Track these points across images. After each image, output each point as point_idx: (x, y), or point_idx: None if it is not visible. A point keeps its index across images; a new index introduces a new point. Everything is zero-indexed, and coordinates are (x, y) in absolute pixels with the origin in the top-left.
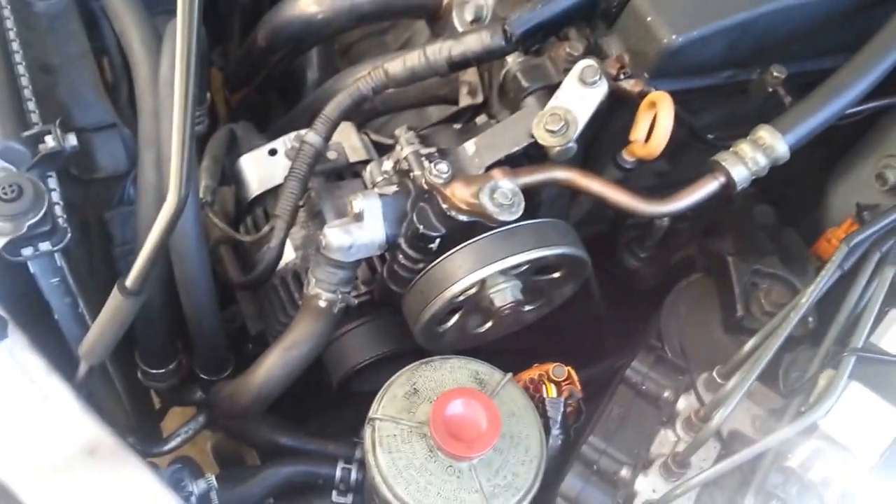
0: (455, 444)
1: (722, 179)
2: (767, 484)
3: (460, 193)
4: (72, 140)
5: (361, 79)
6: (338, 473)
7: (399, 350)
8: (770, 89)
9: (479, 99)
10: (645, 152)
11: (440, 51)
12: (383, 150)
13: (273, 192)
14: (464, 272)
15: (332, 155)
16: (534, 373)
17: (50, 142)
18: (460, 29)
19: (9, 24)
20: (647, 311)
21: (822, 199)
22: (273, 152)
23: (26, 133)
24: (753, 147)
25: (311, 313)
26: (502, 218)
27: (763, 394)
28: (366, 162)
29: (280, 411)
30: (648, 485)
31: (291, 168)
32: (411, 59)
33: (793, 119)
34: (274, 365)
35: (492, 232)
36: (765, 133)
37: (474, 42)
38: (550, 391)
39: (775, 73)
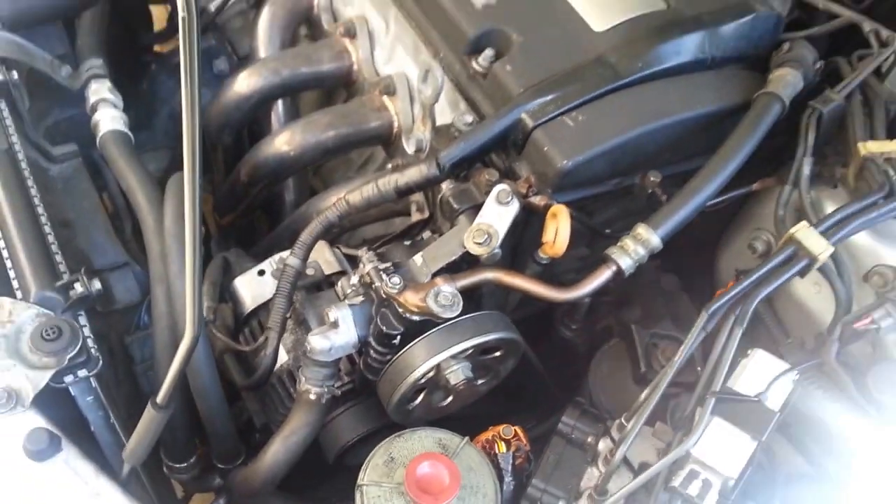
0: (426, 497)
1: (613, 268)
2: (659, 501)
3: (411, 299)
4: (96, 284)
5: (329, 209)
6: None
7: (379, 427)
8: (650, 190)
9: (426, 214)
10: (553, 252)
11: (389, 182)
12: (353, 260)
13: (265, 306)
14: (421, 360)
15: (310, 271)
16: (488, 434)
17: (79, 288)
18: (409, 151)
19: (33, 191)
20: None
21: (713, 265)
22: (262, 273)
23: (59, 283)
24: (634, 241)
25: (304, 405)
26: (446, 316)
27: (664, 430)
28: (339, 273)
29: (287, 487)
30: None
31: (278, 287)
32: (367, 191)
33: (662, 216)
34: (278, 451)
35: (439, 327)
36: (642, 230)
37: (415, 174)
38: (501, 448)
39: (651, 178)
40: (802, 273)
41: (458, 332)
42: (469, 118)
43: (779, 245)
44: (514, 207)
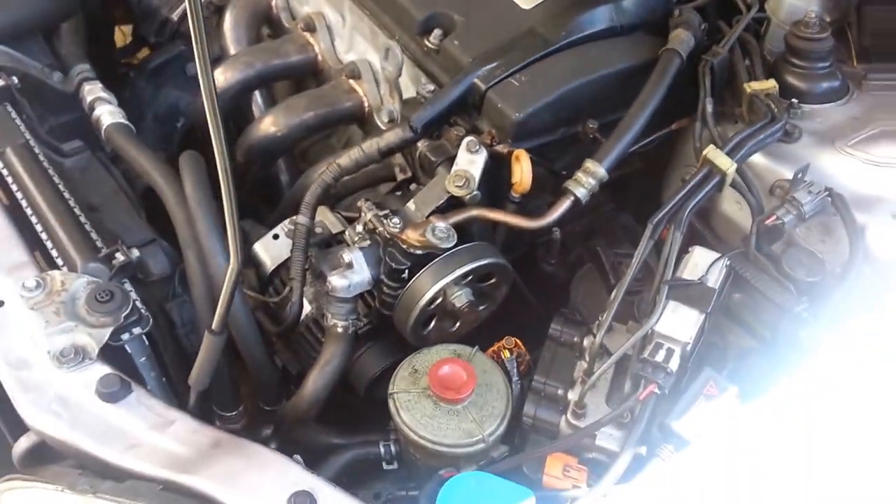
0: (449, 393)
1: (571, 198)
2: (635, 370)
3: (412, 236)
4: (135, 252)
5: (323, 172)
6: (382, 450)
7: (401, 358)
8: (591, 136)
9: (409, 174)
10: (521, 189)
11: (371, 146)
12: (351, 222)
13: (283, 265)
14: (428, 286)
15: (318, 230)
16: (494, 347)
17: (120, 257)
18: (382, 128)
19: (56, 179)
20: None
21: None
22: (276, 237)
23: (102, 254)
24: (585, 174)
25: (334, 338)
26: (444, 246)
27: (634, 326)
28: (342, 231)
29: (326, 422)
30: (574, 395)
31: (293, 244)
32: (354, 154)
33: (604, 152)
34: (316, 380)
35: (440, 257)
36: (589, 164)
37: (393, 137)
38: (506, 354)
39: (590, 125)
40: (719, 187)
41: (456, 259)
42: (431, 87)
43: (698, 167)
44: (483, 154)
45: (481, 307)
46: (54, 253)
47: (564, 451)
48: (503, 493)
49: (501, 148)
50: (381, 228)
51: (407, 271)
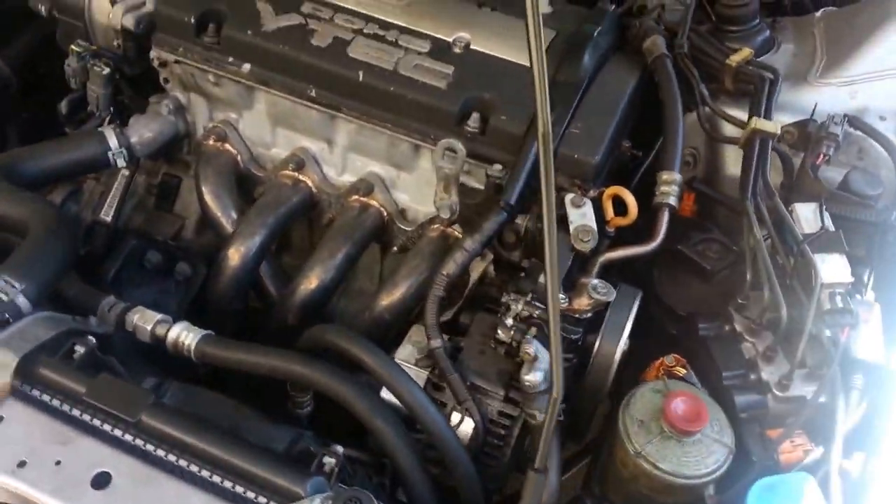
0: (694, 424)
1: (668, 210)
2: (817, 329)
3: (581, 303)
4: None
5: (434, 288)
6: None
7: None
8: (629, 154)
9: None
10: (627, 220)
11: (474, 242)
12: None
13: None
14: (616, 340)
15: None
16: (654, 370)
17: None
18: (444, 217)
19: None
20: None
21: None
22: None
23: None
24: (667, 185)
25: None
26: (609, 299)
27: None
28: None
29: None
30: (767, 373)
31: (442, 370)
32: (458, 258)
33: (669, 159)
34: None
35: (609, 312)
36: (665, 175)
37: (492, 225)
38: (681, 371)
39: (626, 144)
40: (777, 149)
41: (621, 307)
42: (498, 167)
43: (747, 137)
44: (588, 204)
45: None
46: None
47: (773, 427)
48: (788, 487)
49: (592, 193)
50: (537, 313)
51: (581, 337)
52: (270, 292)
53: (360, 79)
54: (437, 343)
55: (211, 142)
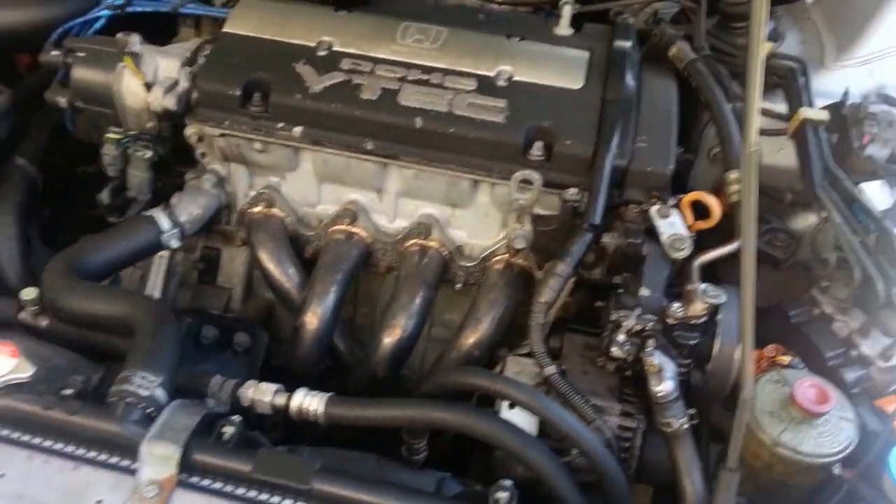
0: (824, 405)
1: None
2: None
3: (696, 308)
4: None
5: (534, 315)
6: None
7: None
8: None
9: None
10: (710, 224)
11: (564, 267)
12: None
13: None
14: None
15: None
16: (761, 359)
17: None
18: (519, 247)
19: None
20: None
21: None
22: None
23: None
24: (737, 183)
25: (681, 438)
26: (721, 300)
27: None
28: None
29: None
30: (867, 347)
31: (564, 396)
32: (552, 283)
33: (732, 159)
34: (695, 480)
35: (720, 313)
36: (733, 174)
37: (580, 247)
38: (785, 359)
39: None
40: (830, 133)
41: (730, 305)
42: (573, 190)
43: (797, 128)
44: (675, 212)
45: None
46: None
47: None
48: None
49: (672, 202)
50: (649, 326)
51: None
52: (342, 350)
53: (418, 125)
54: (551, 369)
55: (258, 209)
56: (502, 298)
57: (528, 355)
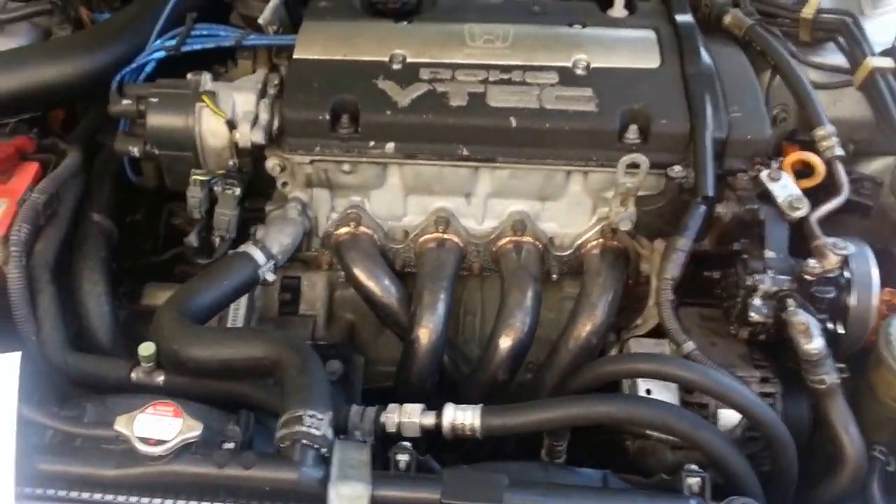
0: None
1: (839, 162)
2: None
3: (831, 263)
4: None
5: (663, 291)
6: None
7: None
8: None
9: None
10: (815, 181)
11: (684, 242)
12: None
13: None
14: (871, 285)
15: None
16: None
17: None
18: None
19: None
20: None
21: None
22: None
23: None
24: (826, 139)
25: (832, 394)
26: (850, 252)
27: None
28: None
29: None
30: None
31: (705, 371)
32: (675, 258)
33: (815, 117)
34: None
35: (849, 263)
36: (820, 130)
37: (696, 219)
38: None
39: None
40: None
41: (861, 255)
42: (678, 167)
43: (864, 78)
44: (785, 175)
45: None
46: None
47: None
48: None
49: (776, 164)
50: (785, 287)
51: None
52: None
53: (514, 125)
54: (690, 345)
55: (346, 230)
56: (611, 282)
57: (649, 335)
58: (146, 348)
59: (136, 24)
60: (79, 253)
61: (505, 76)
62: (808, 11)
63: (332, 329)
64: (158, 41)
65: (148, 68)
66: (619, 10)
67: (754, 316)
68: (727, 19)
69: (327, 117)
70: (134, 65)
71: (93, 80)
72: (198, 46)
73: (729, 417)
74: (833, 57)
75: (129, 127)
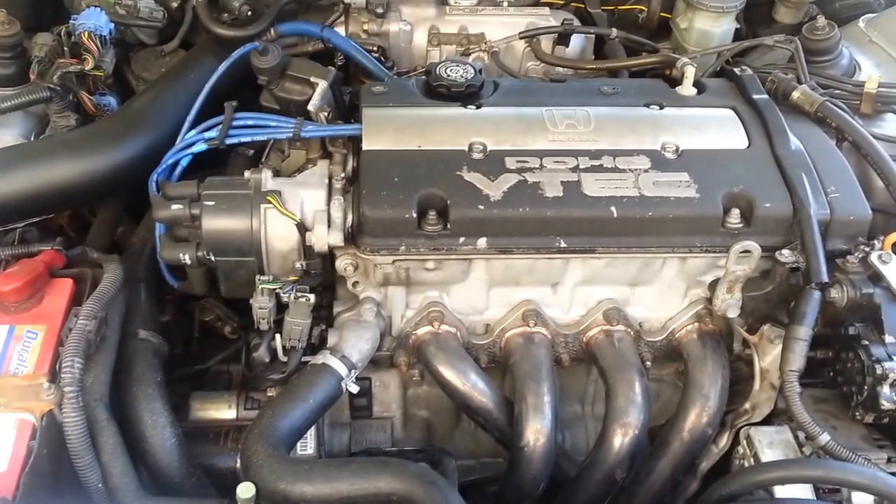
0: None
1: None
2: None
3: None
4: None
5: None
6: None
7: None
8: None
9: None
10: None
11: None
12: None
13: None
14: None
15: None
16: None
17: None
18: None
19: None
20: None
21: None
22: None
23: None
24: None
25: None
26: None
27: None
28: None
29: None
30: None
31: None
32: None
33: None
34: None
35: None
36: None
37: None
38: None
39: None
40: None
41: None
42: (786, 251)
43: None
44: (890, 255)
45: None
46: None
47: None
48: None
49: (877, 244)
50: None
51: None
52: None
53: (615, 214)
54: (825, 437)
55: (428, 329)
56: (718, 368)
57: (764, 423)
58: (246, 489)
59: (158, 113)
60: (130, 378)
61: (595, 162)
62: (870, 86)
63: (410, 429)
64: (194, 132)
65: (184, 162)
66: (688, 88)
67: (885, 404)
68: (796, 95)
69: (414, 215)
70: (170, 160)
71: (115, 178)
72: (246, 139)
73: (863, 500)
74: (890, 127)
75: (167, 230)
